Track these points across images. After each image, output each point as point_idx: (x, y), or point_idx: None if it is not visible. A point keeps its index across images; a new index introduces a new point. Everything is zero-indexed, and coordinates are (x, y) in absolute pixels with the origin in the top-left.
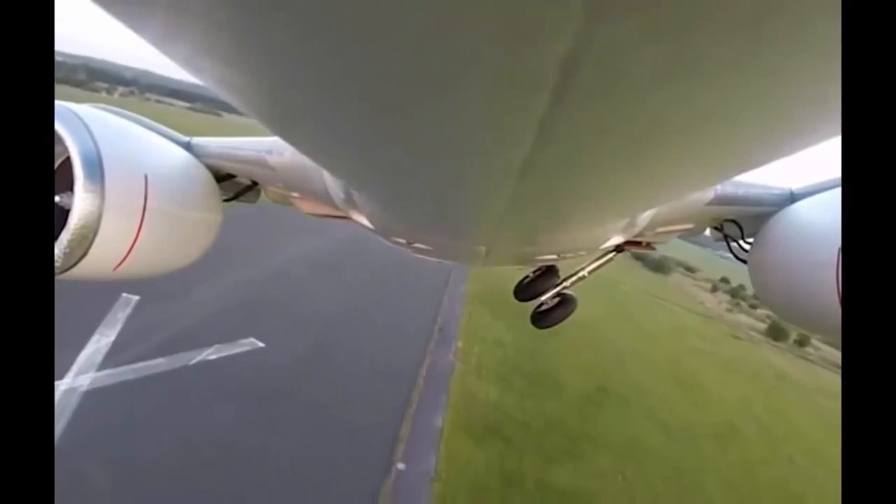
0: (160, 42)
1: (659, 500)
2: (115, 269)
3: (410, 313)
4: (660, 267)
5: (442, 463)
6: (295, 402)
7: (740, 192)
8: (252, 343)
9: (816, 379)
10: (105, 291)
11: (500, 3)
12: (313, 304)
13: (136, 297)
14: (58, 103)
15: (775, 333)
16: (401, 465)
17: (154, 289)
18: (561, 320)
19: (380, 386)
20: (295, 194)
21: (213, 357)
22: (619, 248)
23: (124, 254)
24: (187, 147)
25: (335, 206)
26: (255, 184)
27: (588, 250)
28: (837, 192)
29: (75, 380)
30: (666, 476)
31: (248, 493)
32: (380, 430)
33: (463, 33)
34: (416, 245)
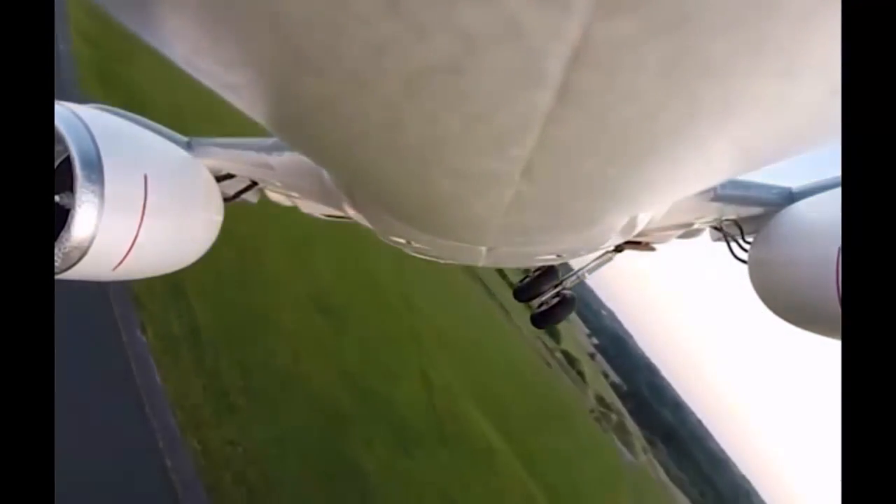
0: (160, 42)
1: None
2: (114, 268)
3: None
4: None
5: None
6: None
7: (740, 192)
8: None
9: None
10: None
11: (502, 2)
12: None
13: None
14: (58, 103)
15: None
16: None
17: None
18: (561, 319)
19: None
20: (295, 194)
21: None
22: (618, 248)
23: (124, 253)
24: (187, 147)
25: (335, 206)
26: (254, 183)
27: (588, 250)
28: (837, 192)
29: None
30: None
31: None
32: None
33: (464, 32)
34: (416, 245)
